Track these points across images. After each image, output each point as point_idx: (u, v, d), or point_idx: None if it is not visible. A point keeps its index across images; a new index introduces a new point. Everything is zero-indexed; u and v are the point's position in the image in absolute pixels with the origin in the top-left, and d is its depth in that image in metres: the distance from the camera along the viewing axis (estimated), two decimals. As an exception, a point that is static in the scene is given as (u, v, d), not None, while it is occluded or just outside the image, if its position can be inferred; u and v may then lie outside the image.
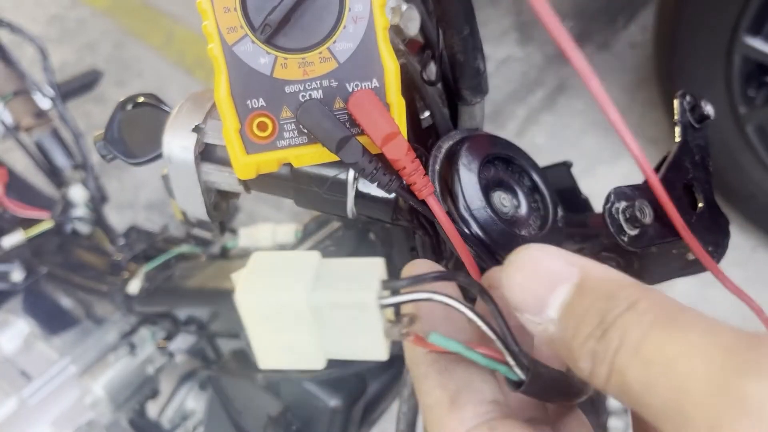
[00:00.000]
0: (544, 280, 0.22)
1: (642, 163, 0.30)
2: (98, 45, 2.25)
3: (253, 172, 0.32)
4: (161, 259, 0.88)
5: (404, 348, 0.27)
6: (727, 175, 1.40)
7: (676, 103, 0.36)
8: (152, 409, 0.96)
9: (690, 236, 0.33)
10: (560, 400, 0.26)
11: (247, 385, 0.72)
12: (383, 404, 0.72)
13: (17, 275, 1.01)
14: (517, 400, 0.26)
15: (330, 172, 0.34)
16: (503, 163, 0.37)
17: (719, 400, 0.17)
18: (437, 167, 0.35)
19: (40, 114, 1.08)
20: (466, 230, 0.33)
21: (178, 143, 0.36)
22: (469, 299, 0.27)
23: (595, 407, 0.50)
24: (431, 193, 0.31)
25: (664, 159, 0.36)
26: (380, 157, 0.31)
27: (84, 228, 1.04)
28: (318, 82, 0.30)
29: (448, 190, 0.34)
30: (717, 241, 0.36)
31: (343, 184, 0.34)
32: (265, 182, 0.36)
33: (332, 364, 0.26)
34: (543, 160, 0.41)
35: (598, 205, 0.37)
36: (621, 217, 0.33)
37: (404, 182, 0.32)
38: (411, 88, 0.38)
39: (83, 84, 1.24)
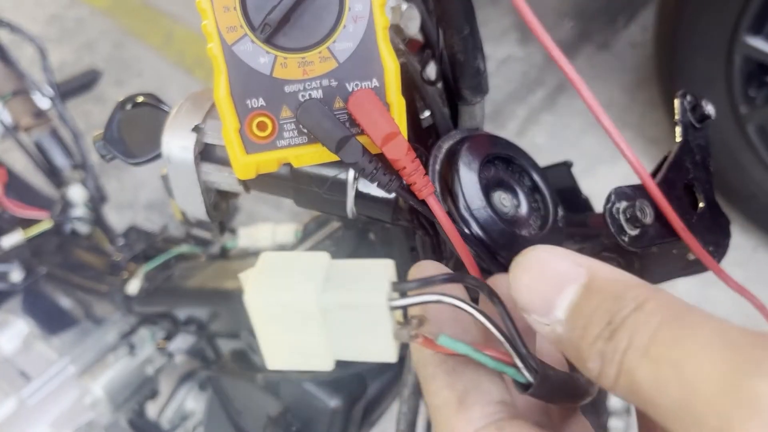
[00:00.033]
0: (551, 281, 0.22)
1: (638, 169, 0.30)
2: (97, 44, 2.25)
3: (252, 172, 0.32)
4: (161, 259, 0.88)
5: (411, 349, 0.27)
6: (728, 175, 1.40)
7: (676, 102, 0.36)
8: (152, 409, 0.96)
9: (690, 238, 0.33)
10: (566, 402, 0.26)
11: (246, 385, 0.72)
12: (383, 404, 0.72)
13: (16, 275, 1.01)
14: (521, 403, 0.26)
15: (330, 172, 0.34)
16: (503, 162, 0.37)
17: (729, 399, 0.17)
18: (437, 167, 0.35)
19: (39, 114, 1.08)
20: (467, 230, 0.33)
21: (177, 143, 0.36)
22: (471, 299, 0.27)
23: (596, 408, 0.50)
24: (431, 193, 0.31)
25: (665, 159, 0.35)
26: (380, 157, 0.31)
27: (83, 228, 1.04)
28: (318, 81, 0.30)
29: (449, 190, 0.34)
30: (718, 241, 0.35)
31: (343, 184, 0.34)
32: (265, 182, 0.36)
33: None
34: (543, 160, 0.40)
35: (598, 205, 0.37)
36: (621, 217, 0.33)
37: (404, 182, 0.31)
38: (411, 87, 0.38)
39: (82, 84, 1.24)
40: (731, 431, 0.16)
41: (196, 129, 0.36)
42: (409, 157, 0.31)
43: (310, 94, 0.31)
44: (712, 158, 0.37)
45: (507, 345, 0.23)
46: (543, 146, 1.74)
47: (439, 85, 0.40)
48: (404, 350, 0.31)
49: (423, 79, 0.38)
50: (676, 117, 0.36)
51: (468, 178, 0.34)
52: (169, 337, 0.88)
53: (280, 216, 1.71)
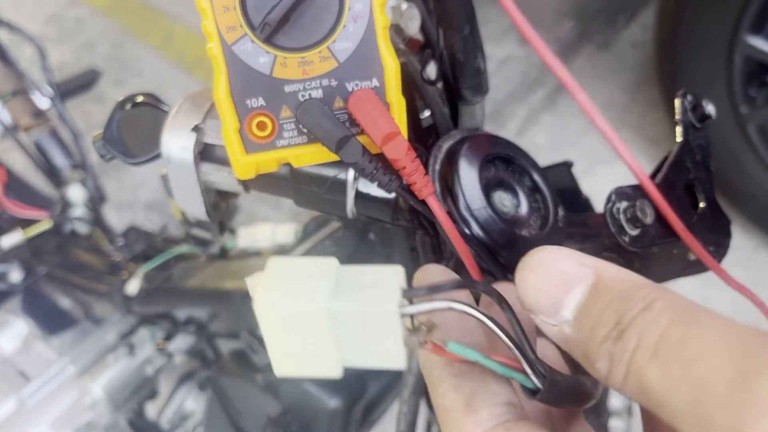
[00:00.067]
0: (558, 282, 0.22)
1: (636, 171, 0.30)
2: (97, 44, 2.25)
3: (252, 171, 0.32)
4: (160, 259, 0.88)
5: (418, 352, 0.27)
6: (729, 174, 1.40)
7: (677, 102, 0.36)
8: (151, 409, 0.96)
9: (690, 238, 0.33)
10: (571, 406, 0.26)
11: (246, 385, 0.72)
12: (383, 405, 0.72)
13: (16, 275, 1.01)
14: (526, 404, 0.26)
15: (330, 172, 0.34)
16: (504, 162, 0.37)
17: (740, 399, 0.17)
18: (437, 167, 0.35)
19: (38, 114, 1.08)
20: (467, 230, 0.33)
21: (177, 143, 0.36)
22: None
23: (596, 408, 0.50)
24: (431, 193, 0.31)
25: (665, 159, 0.35)
26: (380, 157, 0.31)
27: (83, 228, 1.04)
28: (318, 81, 0.30)
29: (449, 189, 0.34)
30: (718, 242, 0.35)
31: (343, 184, 0.34)
32: (265, 182, 0.36)
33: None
34: (543, 160, 0.40)
35: (598, 205, 0.37)
36: (622, 217, 0.33)
37: (404, 182, 0.31)
38: (411, 87, 0.38)
39: (82, 83, 1.24)
40: (742, 431, 0.16)
41: (196, 129, 0.36)
42: (409, 156, 0.31)
43: (310, 94, 0.31)
44: (713, 158, 0.37)
45: (516, 351, 0.23)
46: (543, 146, 1.74)
47: (439, 84, 0.39)
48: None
49: (423, 78, 0.38)
50: (677, 117, 0.36)
51: (468, 178, 0.34)
52: (168, 338, 0.88)
53: (279, 216, 1.71)
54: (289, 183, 0.35)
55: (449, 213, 0.33)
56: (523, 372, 0.23)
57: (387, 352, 0.24)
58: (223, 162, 0.36)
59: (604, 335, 0.20)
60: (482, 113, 0.40)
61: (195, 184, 0.37)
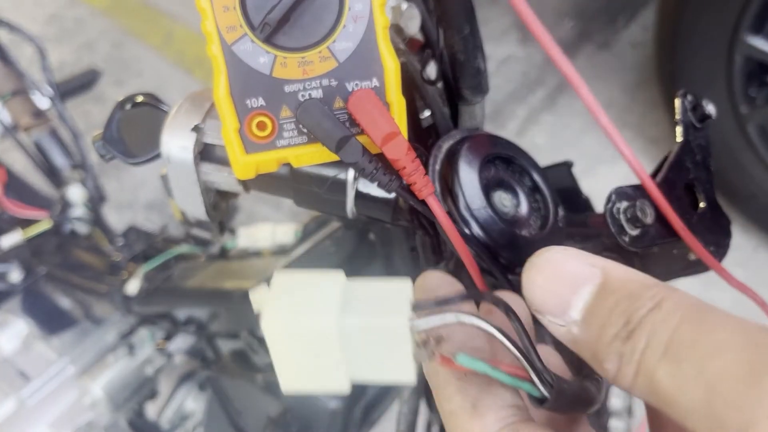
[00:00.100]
0: (566, 282, 0.22)
1: (638, 170, 0.30)
2: (97, 44, 2.25)
3: (252, 171, 0.32)
4: (160, 259, 0.88)
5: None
6: (729, 174, 1.40)
7: (677, 102, 0.36)
8: (151, 409, 0.96)
9: (691, 238, 0.33)
10: (576, 413, 0.26)
11: (246, 385, 0.72)
12: (383, 405, 0.72)
13: (16, 275, 1.01)
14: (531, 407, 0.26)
15: (330, 172, 0.34)
16: (504, 162, 0.37)
17: (751, 398, 0.17)
18: (437, 167, 0.35)
19: (38, 114, 1.08)
20: (467, 230, 0.33)
21: (177, 143, 0.36)
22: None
23: (597, 409, 0.49)
24: (431, 193, 0.31)
25: (665, 159, 0.35)
26: (380, 157, 0.31)
27: (83, 228, 1.04)
28: (318, 81, 0.30)
29: (449, 189, 0.34)
30: (718, 242, 0.35)
31: (342, 184, 0.34)
32: (265, 182, 0.36)
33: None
34: (543, 160, 0.40)
35: (598, 205, 0.37)
36: (622, 217, 0.33)
37: (404, 182, 0.31)
38: (411, 87, 0.38)
39: (82, 83, 1.23)
40: (753, 431, 0.16)
41: (196, 129, 0.36)
42: (409, 156, 0.31)
43: (310, 94, 0.30)
44: (713, 158, 0.37)
45: (524, 361, 0.23)
46: (543, 146, 1.74)
47: (439, 84, 0.39)
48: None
49: (423, 78, 0.38)
50: (677, 117, 0.36)
51: (468, 178, 0.34)
52: (168, 338, 0.88)
53: (279, 216, 1.71)
54: (289, 183, 0.35)
55: (449, 213, 0.33)
56: (531, 381, 0.23)
57: (396, 367, 0.24)
58: (223, 162, 0.36)
59: (613, 335, 0.20)
60: (482, 113, 0.40)
61: (195, 184, 0.37)
